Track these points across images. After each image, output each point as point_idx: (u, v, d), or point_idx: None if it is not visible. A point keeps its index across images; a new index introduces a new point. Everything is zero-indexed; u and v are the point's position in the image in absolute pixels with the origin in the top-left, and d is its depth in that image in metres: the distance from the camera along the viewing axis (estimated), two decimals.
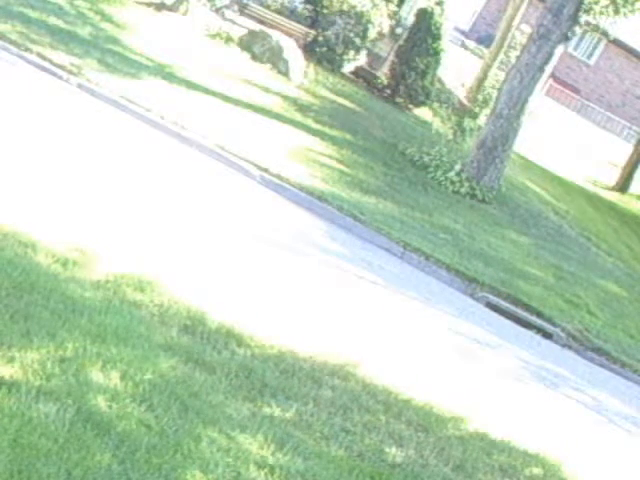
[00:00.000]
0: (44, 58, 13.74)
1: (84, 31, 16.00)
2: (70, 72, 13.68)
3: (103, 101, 13.35)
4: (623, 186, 25.89)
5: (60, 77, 13.53)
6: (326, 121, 17.60)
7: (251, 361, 6.45)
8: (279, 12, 20.39)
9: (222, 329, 6.77)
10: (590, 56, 42.09)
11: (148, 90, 14.37)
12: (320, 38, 20.50)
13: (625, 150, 29.06)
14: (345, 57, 20.86)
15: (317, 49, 20.52)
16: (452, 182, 16.90)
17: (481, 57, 29.62)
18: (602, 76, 42.19)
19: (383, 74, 21.56)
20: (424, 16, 20.61)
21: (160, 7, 19.09)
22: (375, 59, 21.82)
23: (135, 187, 10.11)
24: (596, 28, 19.94)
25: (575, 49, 40.44)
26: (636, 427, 9.88)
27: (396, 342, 8.85)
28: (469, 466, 6.36)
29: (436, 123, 19.50)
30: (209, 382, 5.87)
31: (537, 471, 6.90)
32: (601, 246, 18.07)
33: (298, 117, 17.11)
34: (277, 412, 5.90)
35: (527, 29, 22.35)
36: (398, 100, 20.88)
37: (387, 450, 6.05)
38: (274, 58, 19.10)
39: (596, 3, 18.07)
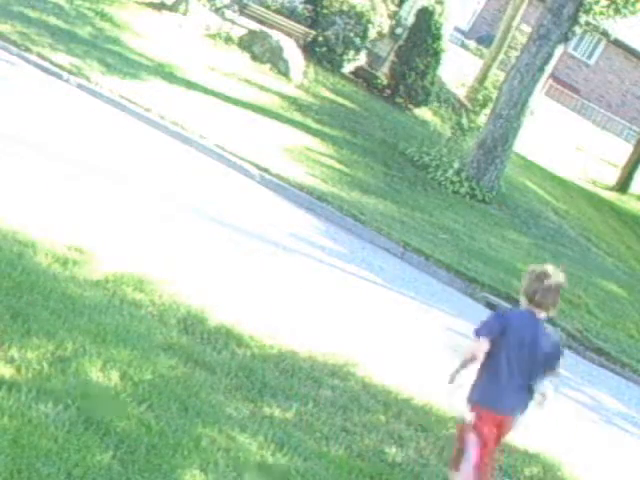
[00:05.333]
0: (44, 58, 13.74)
1: (84, 31, 16.00)
2: (70, 72, 13.68)
3: (103, 101, 13.35)
4: (623, 186, 25.89)
5: (60, 77, 13.53)
6: (326, 121, 17.60)
7: (251, 361, 6.45)
8: (279, 12, 20.39)
9: (222, 329, 6.77)
10: (590, 56, 42.09)
11: (148, 90, 14.37)
12: (320, 38, 20.50)
13: (625, 150, 29.06)
14: (345, 57, 20.86)
15: (317, 49, 20.51)
16: (452, 182, 16.90)
17: (481, 57, 29.62)
18: (602, 76, 42.19)
19: (383, 74, 21.56)
20: (424, 16, 20.61)
21: (160, 7, 19.09)
22: (375, 59, 21.82)
23: (135, 187, 10.11)
24: (596, 28, 19.93)
25: (575, 49, 40.45)
26: (635, 427, 9.88)
27: (396, 342, 8.85)
28: None
29: (436, 123, 19.51)
30: (209, 382, 5.87)
31: (537, 471, 6.91)
32: (601, 246, 18.08)
33: (298, 117, 17.12)
34: (277, 412, 5.90)
35: (527, 29, 22.36)
36: (398, 100, 20.88)
37: (387, 450, 6.05)
38: (274, 58, 19.10)
39: (596, 3, 18.07)
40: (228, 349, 6.50)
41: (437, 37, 20.62)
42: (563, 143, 27.90)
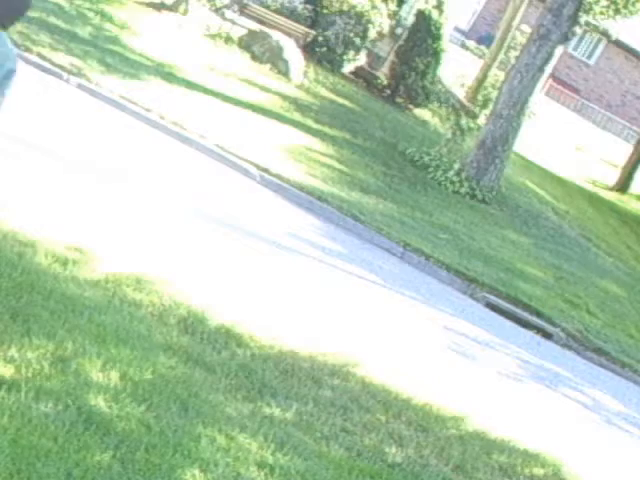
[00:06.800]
0: (44, 58, 13.74)
1: (84, 31, 16.00)
2: (70, 72, 13.68)
3: (103, 101, 13.35)
4: (623, 186, 25.90)
5: (60, 77, 13.53)
6: (326, 121, 17.60)
7: (251, 361, 6.45)
8: (279, 12, 20.39)
9: (222, 329, 6.77)
10: (590, 56, 42.11)
11: (148, 90, 14.37)
12: (320, 38, 20.50)
13: (625, 150, 29.07)
14: (345, 57, 20.86)
15: (317, 49, 20.52)
16: (452, 182, 16.91)
17: (481, 57, 29.63)
18: (602, 76, 42.20)
19: (383, 74, 21.57)
20: (424, 16, 20.62)
21: (160, 7, 19.09)
22: (375, 59, 21.82)
23: (135, 187, 10.12)
24: (596, 28, 19.94)
25: (575, 49, 40.47)
26: (636, 428, 9.88)
27: (396, 342, 8.86)
28: (469, 466, 6.36)
29: (436, 123, 19.51)
30: (209, 382, 5.86)
31: (537, 471, 6.90)
32: (601, 246, 18.08)
33: (298, 117, 17.12)
34: (277, 412, 5.89)
35: (527, 29, 22.37)
36: (398, 100, 20.88)
37: (387, 450, 6.05)
38: (274, 58, 19.10)
39: (596, 3, 18.08)
40: (228, 349, 6.50)
41: (437, 37, 20.63)
42: (563, 143, 27.91)
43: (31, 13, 15.40)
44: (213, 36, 18.96)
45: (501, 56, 24.60)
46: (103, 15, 17.19)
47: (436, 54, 20.78)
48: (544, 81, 18.46)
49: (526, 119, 17.71)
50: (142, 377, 5.51)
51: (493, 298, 12.33)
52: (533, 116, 18.96)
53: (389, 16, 21.50)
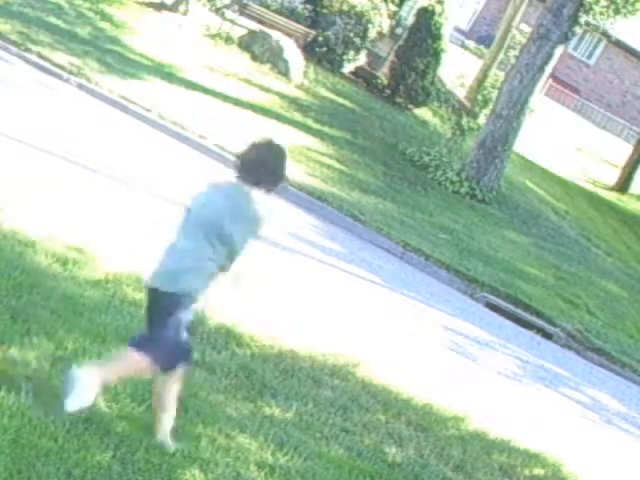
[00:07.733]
0: (44, 58, 13.74)
1: (84, 31, 16.00)
2: (70, 72, 13.69)
3: (103, 101, 13.35)
4: (623, 186, 25.90)
5: (60, 77, 13.53)
6: (326, 121, 17.60)
7: (251, 361, 6.45)
8: (279, 12, 20.38)
9: (222, 329, 6.77)
10: (590, 56, 42.08)
11: (148, 90, 14.37)
12: (320, 38, 20.50)
13: (625, 150, 29.05)
14: (345, 57, 20.85)
15: (317, 49, 20.51)
16: (452, 182, 16.90)
17: (481, 57, 29.61)
18: (602, 76, 42.18)
19: (383, 74, 21.56)
20: (424, 16, 20.60)
21: (160, 7, 19.09)
22: (375, 59, 21.81)
23: (135, 187, 10.11)
24: (596, 28, 19.93)
25: (575, 49, 40.44)
26: (635, 427, 9.88)
27: (396, 342, 8.86)
28: (469, 466, 6.36)
29: (436, 123, 19.52)
30: (209, 382, 5.87)
31: (537, 471, 6.91)
32: (601, 246, 18.08)
33: (298, 117, 17.11)
34: (277, 412, 5.90)
35: (527, 29, 22.36)
36: (398, 100, 20.87)
37: (387, 450, 6.05)
38: (274, 58, 19.09)
39: (596, 3, 18.07)
40: (228, 349, 6.50)
41: (437, 37, 20.61)
42: (563, 143, 27.90)
43: (31, 13, 15.42)
44: (213, 36, 18.96)
45: (501, 56, 24.58)
46: (103, 15, 17.18)
47: (436, 54, 20.77)
48: (544, 81, 18.45)
49: (526, 118, 17.71)
50: (142, 377, 5.51)
51: (493, 298, 12.33)
52: (533, 113, 18.94)
53: (389, 16, 21.50)
